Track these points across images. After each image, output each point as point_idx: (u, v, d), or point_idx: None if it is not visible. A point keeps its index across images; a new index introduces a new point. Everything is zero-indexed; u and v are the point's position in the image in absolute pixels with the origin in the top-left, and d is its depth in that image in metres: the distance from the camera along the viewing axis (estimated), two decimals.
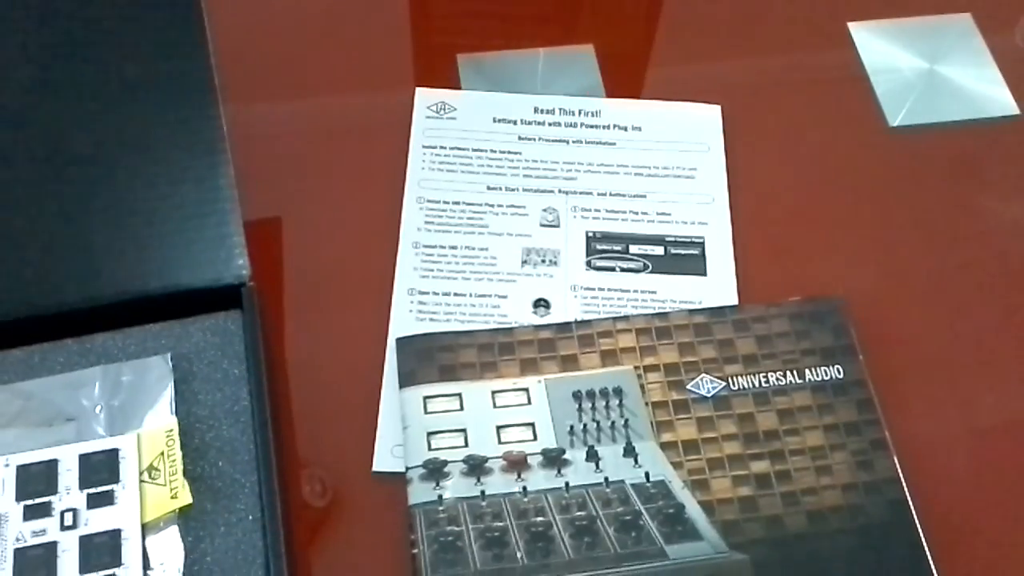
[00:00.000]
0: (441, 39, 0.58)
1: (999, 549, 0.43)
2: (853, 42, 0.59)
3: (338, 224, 0.50)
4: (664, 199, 0.52)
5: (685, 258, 0.50)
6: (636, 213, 0.51)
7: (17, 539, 0.37)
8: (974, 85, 0.57)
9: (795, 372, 0.46)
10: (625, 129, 0.54)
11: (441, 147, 0.53)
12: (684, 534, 0.41)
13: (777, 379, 0.46)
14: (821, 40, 0.59)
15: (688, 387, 0.45)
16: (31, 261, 0.41)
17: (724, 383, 0.45)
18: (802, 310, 0.47)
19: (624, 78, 0.57)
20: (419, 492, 0.42)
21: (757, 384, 0.45)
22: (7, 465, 0.38)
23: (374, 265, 0.49)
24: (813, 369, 0.46)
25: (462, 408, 0.44)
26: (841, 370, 0.46)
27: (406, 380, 0.45)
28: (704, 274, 0.49)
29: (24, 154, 0.43)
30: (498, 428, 0.44)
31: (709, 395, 0.45)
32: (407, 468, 0.42)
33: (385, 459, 0.43)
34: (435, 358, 0.45)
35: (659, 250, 0.50)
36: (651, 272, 0.49)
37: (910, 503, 0.43)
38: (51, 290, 0.41)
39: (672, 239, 0.50)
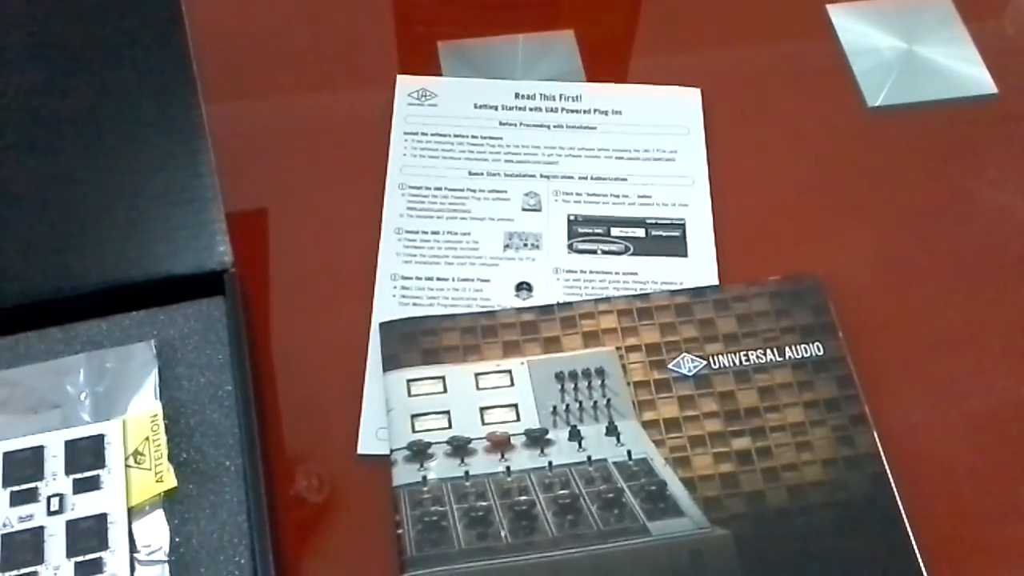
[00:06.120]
0: (422, 27, 0.59)
1: (978, 522, 0.44)
2: (832, 24, 0.59)
3: (321, 212, 0.50)
4: (645, 182, 0.52)
5: (666, 240, 0.50)
6: (617, 196, 0.52)
7: (4, 524, 0.37)
8: (952, 65, 0.58)
9: (775, 350, 0.46)
10: (605, 113, 0.54)
11: (423, 134, 0.53)
12: (666, 511, 0.42)
13: (757, 357, 0.46)
14: (800, 22, 0.60)
15: (669, 366, 0.46)
16: (13, 251, 0.42)
17: (705, 362, 0.46)
18: (782, 289, 0.48)
19: (604, 63, 0.57)
20: (403, 473, 0.42)
21: (738, 362, 0.46)
22: None
23: (357, 251, 0.49)
24: (793, 347, 0.46)
25: (445, 390, 0.44)
26: (821, 347, 0.46)
27: (390, 364, 0.45)
28: (685, 255, 0.50)
29: (4, 145, 0.43)
30: (481, 409, 0.44)
31: (690, 374, 0.46)
32: (392, 450, 0.43)
33: (370, 442, 0.44)
34: (418, 342, 0.46)
35: (640, 232, 0.50)
36: (632, 254, 0.50)
37: (890, 477, 0.43)
38: (35, 279, 0.41)
39: (653, 221, 0.51)
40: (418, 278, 0.48)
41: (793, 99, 0.56)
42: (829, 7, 0.60)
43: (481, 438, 0.43)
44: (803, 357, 0.46)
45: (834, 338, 0.47)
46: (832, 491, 0.43)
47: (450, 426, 0.43)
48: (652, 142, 0.53)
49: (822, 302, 0.48)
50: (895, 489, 0.43)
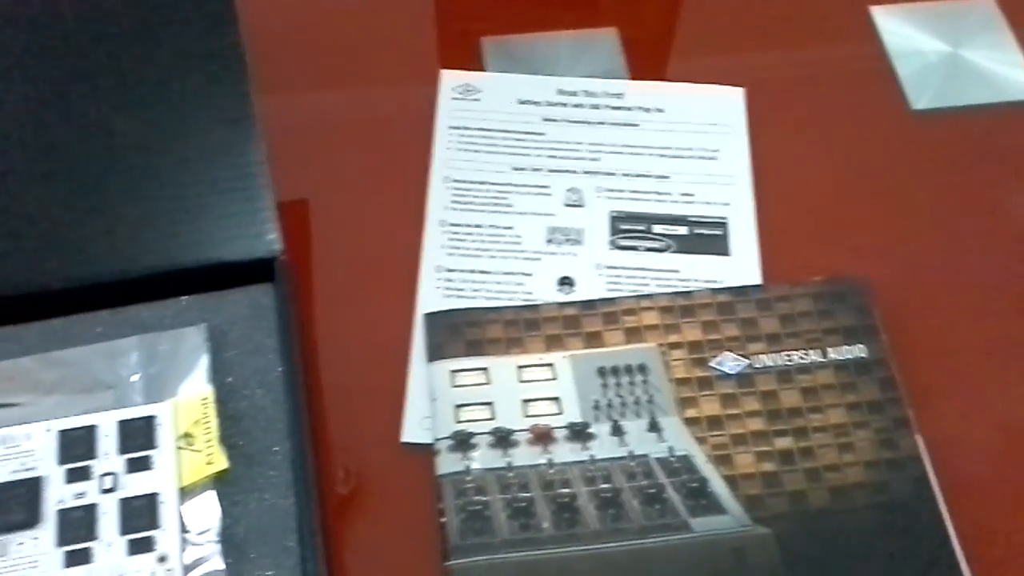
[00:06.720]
0: (465, 23, 0.59)
1: (1021, 528, 0.43)
2: (876, 26, 0.59)
3: (366, 204, 0.51)
4: (687, 180, 0.52)
5: (708, 238, 0.50)
6: (659, 193, 0.52)
7: (59, 501, 0.38)
8: (998, 69, 0.57)
9: (818, 351, 0.46)
10: (648, 111, 0.55)
11: (466, 128, 0.53)
12: (708, 507, 0.42)
13: (800, 357, 0.46)
14: (843, 23, 0.59)
15: (711, 364, 0.46)
16: (71, 234, 0.42)
17: (747, 361, 0.46)
18: (825, 290, 0.48)
19: (647, 61, 0.57)
20: (447, 463, 0.42)
21: (780, 362, 0.46)
22: (49, 430, 0.39)
23: (401, 243, 0.49)
24: (836, 348, 0.46)
25: (489, 382, 0.45)
26: (864, 349, 0.46)
27: (434, 354, 0.45)
28: (727, 254, 0.50)
29: (64, 130, 0.44)
30: (524, 402, 0.44)
31: (733, 373, 0.46)
32: (435, 439, 0.43)
33: (413, 431, 0.44)
34: (462, 333, 0.46)
35: (682, 230, 0.51)
36: (674, 252, 0.50)
37: (931, 481, 0.43)
38: (91, 262, 0.42)
39: (695, 219, 0.51)
40: (462, 270, 0.49)
41: (836, 100, 0.56)
42: (872, 9, 0.60)
43: (523, 430, 0.44)
44: (846, 359, 0.46)
45: (877, 340, 0.46)
46: (874, 493, 0.43)
47: (493, 417, 0.44)
48: (694, 140, 0.54)
49: (865, 304, 0.47)
50: (937, 493, 0.43)
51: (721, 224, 0.51)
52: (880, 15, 0.60)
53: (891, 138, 0.55)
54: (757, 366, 0.46)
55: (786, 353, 0.46)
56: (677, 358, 0.46)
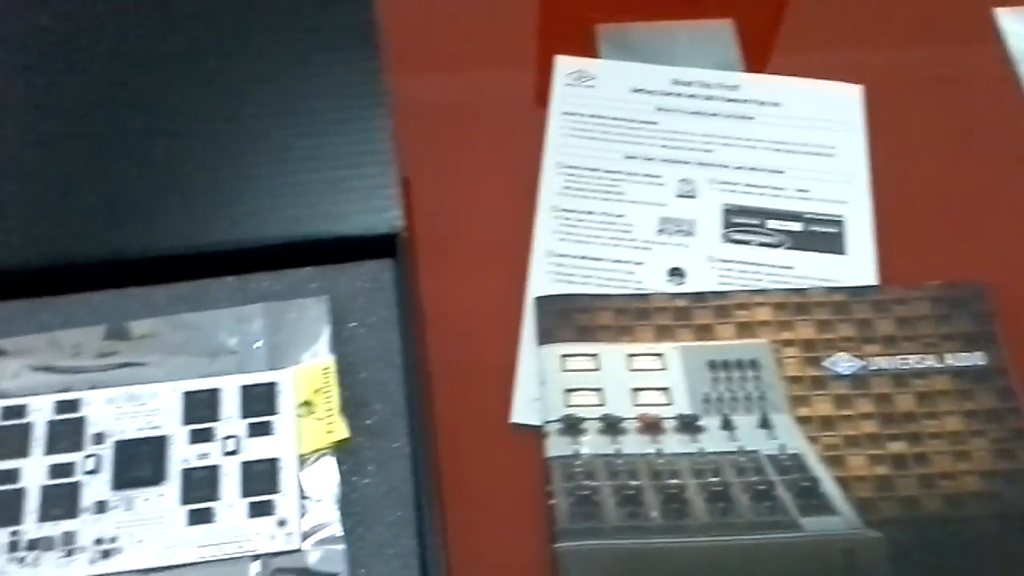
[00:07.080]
0: (580, 10, 0.59)
1: None
2: (1000, 28, 0.57)
3: (479, 185, 0.51)
4: (802, 175, 0.51)
5: (823, 236, 0.49)
6: (774, 188, 0.51)
7: (184, 460, 0.39)
8: None
9: (935, 356, 0.45)
10: (763, 104, 0.54)
11: (580, 114, 0.53)
12: (819, 508, 0.41)
13: (916, 362, 0.45)
14: (966, 24, 0.58)
15: (824, 364, 0.45)
16: (202, 203, 0.43)
17: (862, 362, 0.45)
18: (944, 294, 0.47)
19: (762, 55, 0.56)
20: (556, 446, 0.43)
21: (896, 366, 0.45)
22: (174, 391, 0.40)
23: (513, 226, 0.49)
24: (954, 354, 0.45)
25: (598, 368, 0.45)
26: (983, 357, 0.45)
27: (545, 337, 0.45)
28: (842, 253, 0.49)
29: (199, 101, 0.45)
30: (633, 390, 0.44)
31: (846, 373, 0.45)
32: (545, 422, 0.43)
33: (523, 412, 0.44)
34: (573, 318, 0.46)
35: (797, 226, 0.50)
36: (788, 248, 0.49)
37: None
38: (218, 230, 0.43)
39: (810, 216, 0.50)
40: (572, 256, 0.49)
41: (958, 102, 0.55)
42: (997, 11, 0.58)
43: (632, 418, 0.43)
44: (964, 366, 0.45)
45: (997, 348, 0.45)
46: (988, 503, 0.42)
47: (602, 403, 0.44)
48: (811, 136, 0.53)
49: (986, 311, 0.46)
50: None
51: (837, 222, 0.50)
52: (1006, 17, 0.58)
53: (1015, 142, 0.53)
54: (872, 368, 0.45)
55: (902, 357, 0.45)
56: (790, 356, 0.45)
